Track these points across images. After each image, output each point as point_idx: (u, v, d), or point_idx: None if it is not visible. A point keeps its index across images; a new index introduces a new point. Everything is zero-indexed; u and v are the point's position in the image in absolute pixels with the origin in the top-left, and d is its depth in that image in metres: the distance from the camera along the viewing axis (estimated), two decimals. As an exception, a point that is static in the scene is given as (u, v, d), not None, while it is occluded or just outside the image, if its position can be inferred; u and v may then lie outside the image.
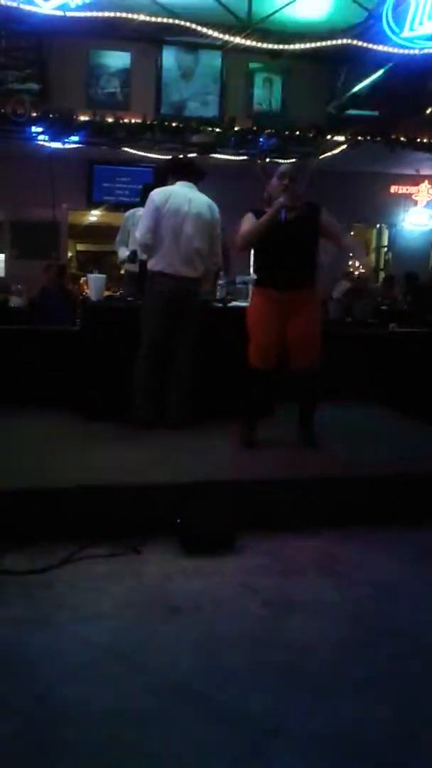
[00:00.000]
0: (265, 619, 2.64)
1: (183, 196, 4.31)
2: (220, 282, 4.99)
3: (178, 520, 3.19)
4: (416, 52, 7.19)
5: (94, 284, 4.79)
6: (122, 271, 5.77)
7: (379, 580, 2.98)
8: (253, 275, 4.17)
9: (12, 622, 2.55)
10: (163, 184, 4.51)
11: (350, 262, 10.50)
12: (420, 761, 1.92)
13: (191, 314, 4.38)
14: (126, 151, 9.68)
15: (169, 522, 3.21)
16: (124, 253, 5.48)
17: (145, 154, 9.79)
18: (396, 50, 7.21)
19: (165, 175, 4.64)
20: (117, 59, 9.34)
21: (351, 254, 3.89)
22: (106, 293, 5.26)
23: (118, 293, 5.96)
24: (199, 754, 1.91)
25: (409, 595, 2.88)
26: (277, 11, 7.50)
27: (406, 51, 7.20)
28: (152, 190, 4.45)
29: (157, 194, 4.31)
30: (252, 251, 4.07)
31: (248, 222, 3.91)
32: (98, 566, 2.99)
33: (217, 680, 2.23)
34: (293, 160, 9.38)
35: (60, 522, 3.23)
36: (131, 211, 5.71)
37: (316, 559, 3.14)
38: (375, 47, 7.38)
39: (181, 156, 6.34)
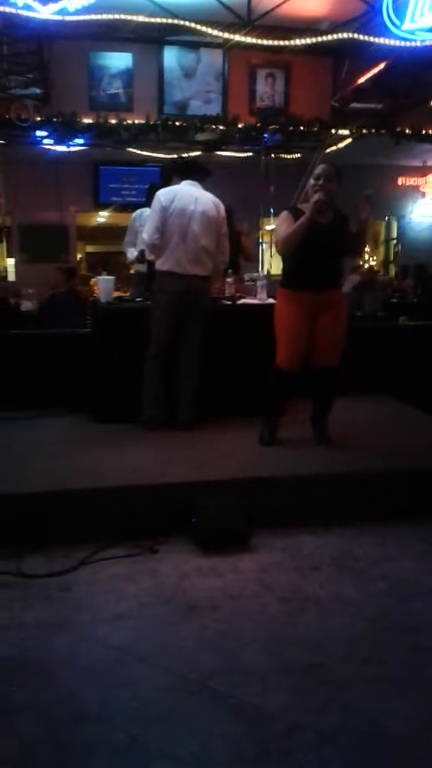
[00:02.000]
0: (281, 616, 2.65)
1: (189, 194, 4.32)
2: (228, 280, 5.00)
3: (193, 519, 3.21)
4: (418, 43, 7.14)
5: (102, 286, 4.81)
6: (132, 272, 5.79)
7: (394, 576, 2.98)
8: (273, 276, 4.16)
9: (32, 625, 2.58)
10: (169, 183, 4.53)
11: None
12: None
13: (200, 313, 4.39)
14: (131, 152, 9.72)
15: (184, 521, 3.23)
16: (132, 254, 5.50)
17: (151, 154, 9.82)
18: (397, 42, 7.16)
19: (170, 174, 4.66)
20: (118, 60, 9.36)
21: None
22: (116, 294, 5.27)
23: (128, 294, 5.98)
24: (219, 753, 1.93)
25: (426, 591, 2.87)
26: (276, 7, 7.47)
27: (408, 43, 7.15)
28: (158, 189, 4.46)
29: (163, 194, 4.32)
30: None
31: (286, 223, 3.85)
32: (115, 567, 3.01)
33: (237, 678, 2.24)
34: (298, 155, 9.39)
35: (76, 524, 3.26)
36: (138, 211, 5.73)
37: (331, 556, 3.15)
38: (376, 40, 7.33)
39: (185, 155, 6.36)
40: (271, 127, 9.07)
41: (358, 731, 2.00)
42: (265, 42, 7.64)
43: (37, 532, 3.20)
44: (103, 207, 12.00)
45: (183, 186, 4.38)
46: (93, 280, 9.73)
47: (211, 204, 4.36)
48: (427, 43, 7.11)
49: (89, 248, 15.40)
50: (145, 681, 2.23)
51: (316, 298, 3.88)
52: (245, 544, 3.20)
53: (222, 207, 4.44)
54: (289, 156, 9.75)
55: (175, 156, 5.69)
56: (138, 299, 4.91)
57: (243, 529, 3.24)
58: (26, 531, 3.20)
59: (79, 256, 13.71)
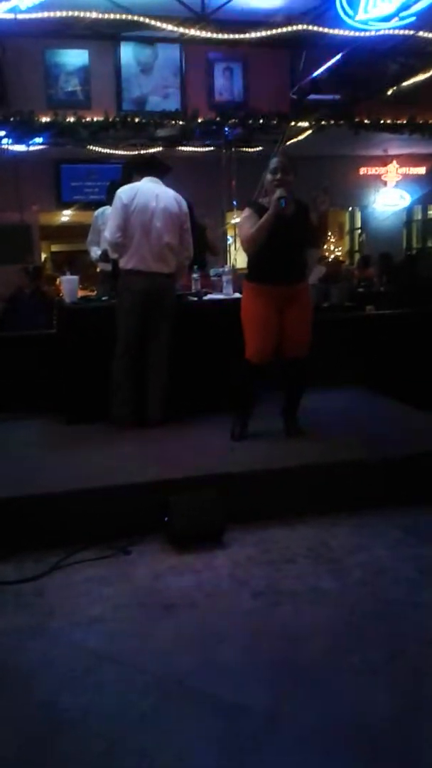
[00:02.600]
0: (258, 610, 2.65)
1: (150, 191, 4.28)
2: (195, 276, 4.98)
3: (166, 518, 3.19)
4: (372, 33, 7.18)
5: (67, 286, 4.76)
6: (98, 270, 5.73)
7: (370, 565, 3.00)
8: (238, 269, 4.15)
9: (6, 632, 2.54)
10: (129, 181, 4.49)
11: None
12: (422, 749, 1.92)
13: (166, 310, 4.36)
14: (92, 149, 9.62)
15: (157, 520, 3.21)
16: (95, 253, 5.44)
17: (112, 151, 9.74)
18: (352, 33, 7.19)
19: (130, 172, 4.62)
20: (74, 58, 9.25)
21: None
22: (82, 293, 5.21)
23: (94, 293, 5.92)
24: (200, 751, 1.92)
25: (402, 578, 2.89)
26: (228, 1, 7.44)
27: (362, 33, 7.18)
28: (118, 187, 4.42)
29: (124, 192, 4.28)
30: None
31: (249, 221, 3.84)
32: (89, 570, 2.98)
33: (215, 676, 2.23)
34: (259, 148, 9.38)
35: (48, 527, 3.22)
36: (100, 209, 5.67)
37: (306, 548, 3.15)
38: (331, 31, 7.35)
39: (144, 152, 6.32)
40: (230, 121, 9.06)
41: (339, 724, 2.00)
42: (220, 36, 7.62)
43: (8, 538, 3.16)
44: (67, 205, 11.87)
45: (144, 183, 4.34)
46: (59, 279, 9.65)
47: (172, 200, 4.33)
48: (382, 32, 7.14)
49: (54, 247, 15.25)
50: (123, 684, 2.21)
51: (282, 291, 3.89)
52: (219, 541, 3.19)
53: (184, 203, 4.41)
54: (250, 149, 9.74)
55: (135, 153, 5.64)
56: (104, 298, 4.87)
57: (216, 525, 3.22)
58: (-3, 537, 3.15)
59: (44, 255, 13.57)
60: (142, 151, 7.37)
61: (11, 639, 2.50)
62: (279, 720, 2.02)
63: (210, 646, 2.41)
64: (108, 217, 4.60)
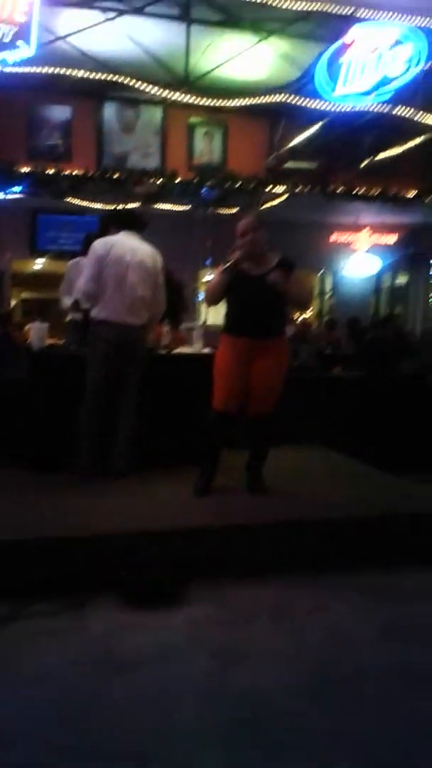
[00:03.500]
0: (214, 672, 2.57)
1: (126, 245, 4.33)
2: (165, 329, 5.00)
3: (123, 573, 3.11)
4: (349, 108, 7.48)
5: (35, 333, 4.74)
6: (68, 319, 5.73)
7: (330, 626, 2.95)
8: (208, 326, 4.23)
9: None
10: (106, 233, 4.53)
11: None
12: None
13: (136, 362, 4.36)
14: (70, 202, 9.75)
15: (114, 574, 3.12)
16: (67, 301, 5.45)
17: (89, 204, 9.88)
18: (330, 106, 7.49)
19: (107, 225, 4.67)
20: (58, 112, 9.48)
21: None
22: (50, 341, 5.19)
23: (62, 342, 5.90)
24: None
25: (362, 640, 2.85)
26: (211, 71, 7.74)
27: (340, 107, 7.48)
28: (94, 239, 4.46)
29: (99, 244, 4.32)
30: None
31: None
32: (41, 623, 2.88)
33: (167, 739, 2.15)
34: (236, 209, 9.61)
35: None
36: (74, 260, 5.70)
37: (265, 607, 3.09)
38: (310, 104, 7.65)
39: (122, 206, 6.41)
40: (208, 182, 9.29)
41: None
42: (202, 102, 7.87)
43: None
44: (41, 254, 11.94)
45: (120, 236, 4.39)
46: (27, 326, 9.62)
47: (148, 255, 4.38)
48: (358, 107, 7.45)
49: (25, 294, 15.24)
50: (75, 744, 2.12)
51: (251, 343, 3.92)
52: (177, 598, 3.11)
53: (159, 258, 4.46)
54: (226, 210, 9.97)
55: (113, 207, 5.72)
56: (71, 346, 4.85)
57: (174, 582, 3.15)
58: None
59: (13, 302, 13.55)
60: (120, 206, 7.47)
61: None
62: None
63: (164, 707, 2.32)
64: (82, 268, 4.63)
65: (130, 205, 9.67)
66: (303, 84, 8.05)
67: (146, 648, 2.71)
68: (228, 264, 3.84)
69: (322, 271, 14.27)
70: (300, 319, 13.26)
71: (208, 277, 9.50)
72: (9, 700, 2.35)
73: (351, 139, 9.22)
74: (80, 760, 2.04)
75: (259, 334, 3.94)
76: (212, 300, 4.06)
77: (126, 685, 2.45)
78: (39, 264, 12.89)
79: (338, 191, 9.85)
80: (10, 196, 9.32)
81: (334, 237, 13.36)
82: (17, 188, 8.96)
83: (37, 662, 2.59)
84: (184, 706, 2.33)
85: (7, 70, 6.49)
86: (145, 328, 4.46)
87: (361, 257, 13.49)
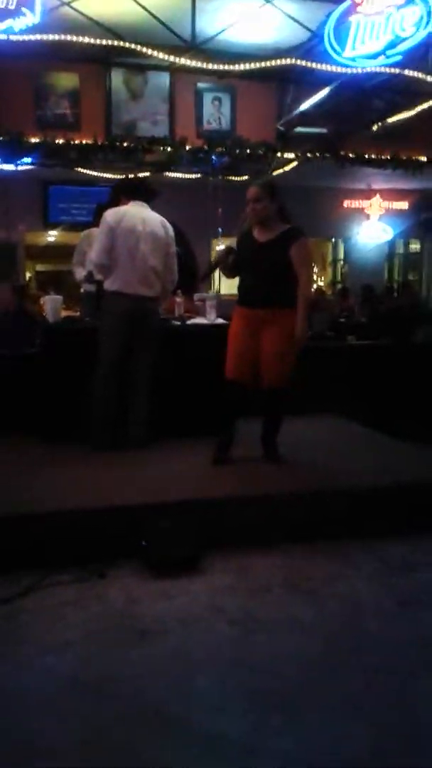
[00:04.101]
0: (234, 639, 2.61)
1: (136, 215, 4.30)
2: (178, 300, 4.99)
3: (143, 543, 3.15)
4: (359, 71, 7.33)
5: (50, 306, 4.74)
6: (81, 291, 5.72)
7: (348, 595, 2.97)
8: (222, 296, 4.27)
9: (-25, 657, 2.48)
10: (116, 204, 4.50)
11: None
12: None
13: (149, 333, 4.36)
14: (81, 172, 9.68)
15: (134, 544, 3.16)
16: (80, 274, 5.43)
17: (100, 174, 9.80)
18: (339, 69, 7.34)
19: (118, 195, 4.64)
20: (65, 80, 9.35)
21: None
22: (66, 313, 5.19)
23: (77, 313, 5.89)
24: (172, 782, 1.87)
25: (379, 610, 2.87)
26: (218, 33, 7.59)
27: (349, 70, 7.33)
28: (105, 210, 4.44)
29: (110, 214, 4.30)
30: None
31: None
32: (63, 593, 2.93)
33: (188, 704, 2.19)
34: (245, 177, 9.50)
35: (22, 549, 3.16)
36: (86, 231, 5.67)
37: (282, 576, 3.12)
38: (318, 66, 7.50)
39: (132, 176, 6.36)
40: (218, 149, 9.17)
41: (316, 756, 1.97)
42: (210, 66, 7.73)
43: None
44: (53, 226, 11.92)
45: (130, 207, 4.36)
46: (42, 299, 9.63)
47: (159, 225, 4.35)
48: (368, 69, 7.29)
49: (39, 267, 15.25)
50: (96, 711, 2.16)
51: (258, 314, 3.93)
52: (196, 567, 3.15)
53: (170, 228, 4.44)
54: (236, 178, 9.86)
55: (123, 176, 5.66)
56: (87, 319, 4.85)
57: (194, 551, 3.19)
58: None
59: (28, 275, 13.56)
60: (130, 175, 7.40)
61: (-19, 663, 2.44)
62: (256, 750, 1.98)
63: (185, 674, 2.36)
64: (94, 239, 4.61)
65: (141, 174, 9.62)
66: (312, 46, 7.89)
67: (167, 616, 2.75)
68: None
69: (334, 239, 14.16)
70: (314, 288, 13.16)
71: (221, 246, 9.43)
72: (31, 669, 2.40)
73: (361, 103, 9.05)
74: (101, 728, 2.07)
75: (263, 304, 3.93)
76: (228, 275, 4.14)
77: (147, 653, 2.50)
78: (52, 236, 12.86)
79: (349, 156, 9.71)
80: (21, 168, 9.26)
81: (346, 203, 13.22)
82: (27, 159, 8.89)
83: (59, 631, 2.64)
84: (205, 673, 2.37)
85: (13, 38, 6.39)
86: (158, 299, 4.46)
87: (373, 224, 13.35)
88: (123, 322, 4.26)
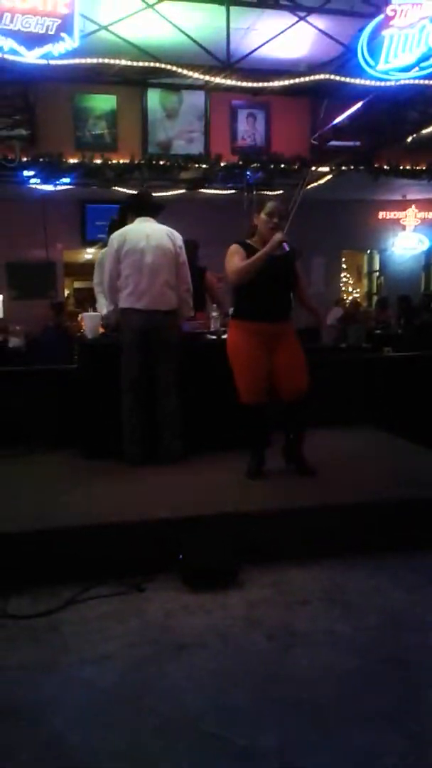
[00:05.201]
0: (271, 653, 2.63)
1: (140, 231, 4.36)
2: (214, 314, 5.03)
3: (180, 556, 3.19)
4: (392, 83, 7.33)
5: (89, 323, 4.83)
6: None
7: (386, 608, 2.97)
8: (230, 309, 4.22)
9: (18, 667, 2.54)
10: (125, 222, 4.59)
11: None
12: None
13: (167, 348, 4.38)
14: (117, 190, 9.84)
15: (172, 558, 3.20)
16: (102, 306, 5.26)
17: (136, 193, 9.93)
18: (373, 83, 7.35)
19: (125, 214, 4.73)
20: (103, 102, 9.53)
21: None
22: (103, 330, 5.27)
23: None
24: (210, 794, 1.89)
25: (418, 623, 2.86)
26: (253, 51, 7.67)
27: (383, 83, 7.34)
28: (117, 225, 4.56)
29: (114, 237, 4.37)
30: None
31: (238, 255, 3.92)
32: (102, 606, 2.98)
33: (226, 718, 2.21)
34: (280, 192, 9.54)
35: (62, 562, 3.23)
36: (103, 249, 5.75)
37: (320, 589, 3.13)
38: (352, 81, 7.51)
39: (136, 192, 6.50)
40: (252, 165, 9.24)
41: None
42: (244, 84, 7.80)
43: (23, 571, 3.17)
44: (90, 244, 12.11)
45: (135, 224, 4.43)
46: (80, 315, 9.80)
47: (164, 236, 4.39)
48: (402, 82, 7.29)
49: (77, 284, 15.47)
50: (134, 723, 2.20)
51: (270, 329, 3.93)
52: (233, 580, 3.17)
53: (178, 237, 4.46)
54: (271, 192, 9.91)
55: (135, 191, 5.77)
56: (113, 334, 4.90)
57: (231, 564, 3.21)
58: (12, 570, 3.16)
59: (66, 292, 13.79)
60: (134, 191, 7.51)
61: (23, 674, 2.50)
62: (292, 764, 1.99)
63: (222, 687, 2.39)
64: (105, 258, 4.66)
65: (176, 192, 9.74)
66: (345, 61, 7.90)
67: (204, 629, 2.78)
68: (279, 243, 3.79)
69: (369, 251, 14.10)
70: (350, 300, 13.15)
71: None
72: (70, 682, 2.45)
73: (395, 115, 9.03)
74: (139, 741, 2.11)
75: (276, 318, 3.95)
76: (243, 279, 3.87)
77: (185, 666, 2.53)
78: (89, 254, 13.07)
79: (384, 168, 9.70)
80: (59, 188, 9.47)
81: (381, 215, 13.18)
82: (66, 179, 9.09)
83: (99, 644, 2.68)
84: (242, 687, 2.39)
85: (53, 63, 6.55)
86: (175, 313, 4.45)
87: (409, 234, 13.27)
88: (138, 338, 4.31)
